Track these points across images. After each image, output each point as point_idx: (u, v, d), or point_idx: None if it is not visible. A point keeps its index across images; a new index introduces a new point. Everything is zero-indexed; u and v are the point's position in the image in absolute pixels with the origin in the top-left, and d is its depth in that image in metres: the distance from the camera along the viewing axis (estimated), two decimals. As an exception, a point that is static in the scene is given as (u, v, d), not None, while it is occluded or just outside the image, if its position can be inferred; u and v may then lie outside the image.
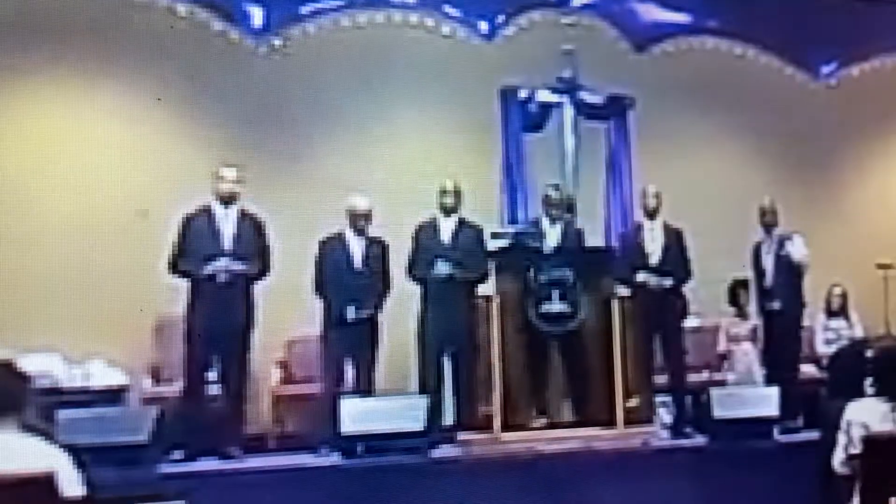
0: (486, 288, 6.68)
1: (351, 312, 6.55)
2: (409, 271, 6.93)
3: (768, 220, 7.45)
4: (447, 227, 6.95)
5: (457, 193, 6.98)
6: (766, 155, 9.41)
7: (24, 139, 7.68)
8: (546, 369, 6.59)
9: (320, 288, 6.73)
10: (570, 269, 6.51)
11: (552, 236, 6.98)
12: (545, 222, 7.08)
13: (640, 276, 6.98)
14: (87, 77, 7.81)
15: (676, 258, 7.13)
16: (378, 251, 6.80)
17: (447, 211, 6.97)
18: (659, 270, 7.04)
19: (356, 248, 6.75)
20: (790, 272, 7.34)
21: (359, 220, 6.75)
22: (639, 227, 7.28)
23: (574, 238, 7.10)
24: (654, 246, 7.12)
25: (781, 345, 7.37)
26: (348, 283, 6.63)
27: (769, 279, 7.39)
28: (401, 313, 6.94)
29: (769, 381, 7.23)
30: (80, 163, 7.74)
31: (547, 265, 6.53)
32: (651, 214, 7.22)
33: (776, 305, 7.32)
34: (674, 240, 7.17)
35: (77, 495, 3.38)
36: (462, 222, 6.98)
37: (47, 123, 7.75)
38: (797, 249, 7.30)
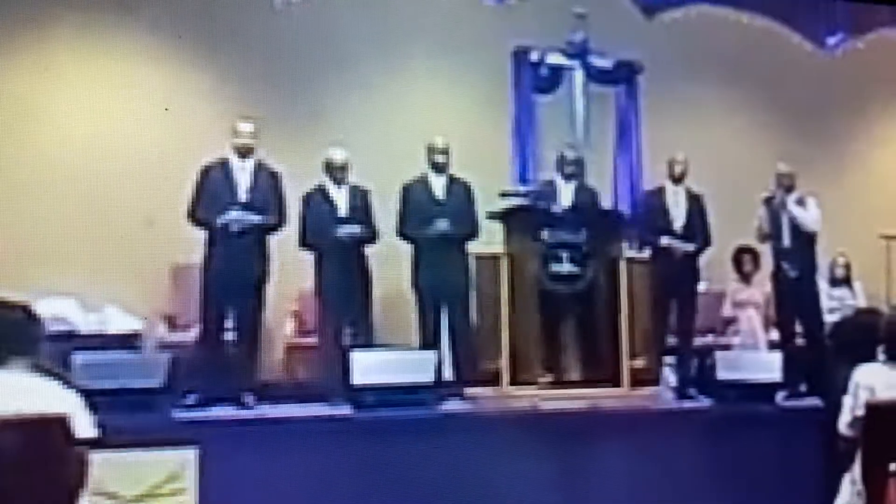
0: (495, 247, 6.44)
1: (343, 231, 6.28)
2: (400, 230, 6.62)
3: (786, 183, 7.01)
4: (440, 184, 6.66)
5: (447, 151, 6.68)
6: (771, 123, 9.13)
7: (40, 85, 7.51)
8: (553, 328, 6.37)
9: (307, 240, 6.44)
10: (581, 231, 6.32)
11: (566, 196, 6.76)
12: (559, 181, 6.84)
13: (664, 240, 6.74)
14: (105, 27, 7.66)
15: (699, 224, 6.90)
16: (361, 199, 6.51)
17: (439, 169, 6.66)
18: (683, 235, 6.81)
19: (339, 198, 6.47)
20: (805, 237, 7.01)
21: (336, 172, 6.47)
22: (661, 190, 7.00)
23: (588, 198, 6.87)
24: (678, 211, 6.87)
25: (795, 311, 7.04)
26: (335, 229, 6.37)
27: (786, 241, 6.98)
28: (394, 268, 6.72)
29: (782, 347, 6.94)
30: (98, 110, 7.58)
31: (558, 226, 6.33)
32: (677, 179, 6.95)
33: (793, 273, 6.94)
34: (696, 205, 6.93)
35: (90, 437, 3.33)
36: (452, 179, 6.70)
37: (64, 71, 7.60)
38: (810, 213, 6.98)
